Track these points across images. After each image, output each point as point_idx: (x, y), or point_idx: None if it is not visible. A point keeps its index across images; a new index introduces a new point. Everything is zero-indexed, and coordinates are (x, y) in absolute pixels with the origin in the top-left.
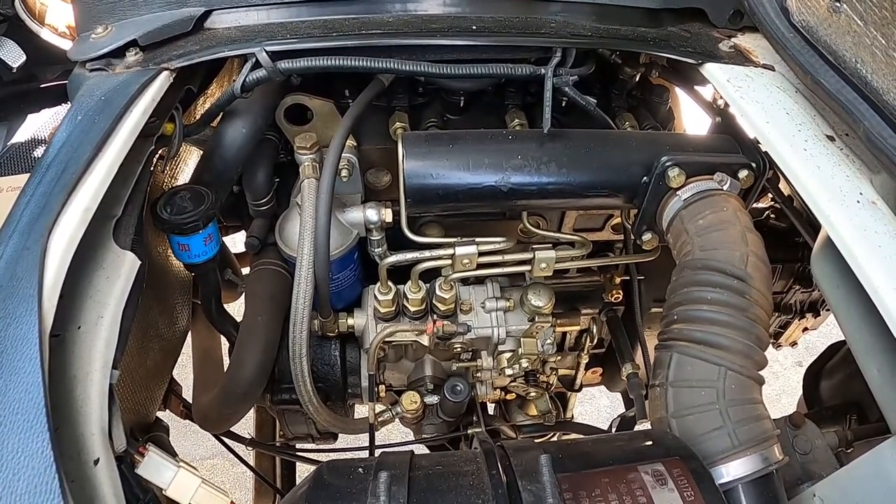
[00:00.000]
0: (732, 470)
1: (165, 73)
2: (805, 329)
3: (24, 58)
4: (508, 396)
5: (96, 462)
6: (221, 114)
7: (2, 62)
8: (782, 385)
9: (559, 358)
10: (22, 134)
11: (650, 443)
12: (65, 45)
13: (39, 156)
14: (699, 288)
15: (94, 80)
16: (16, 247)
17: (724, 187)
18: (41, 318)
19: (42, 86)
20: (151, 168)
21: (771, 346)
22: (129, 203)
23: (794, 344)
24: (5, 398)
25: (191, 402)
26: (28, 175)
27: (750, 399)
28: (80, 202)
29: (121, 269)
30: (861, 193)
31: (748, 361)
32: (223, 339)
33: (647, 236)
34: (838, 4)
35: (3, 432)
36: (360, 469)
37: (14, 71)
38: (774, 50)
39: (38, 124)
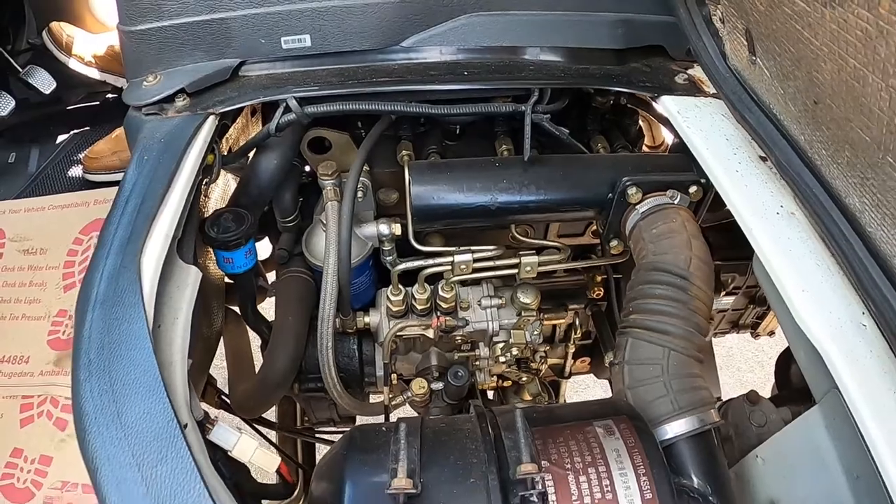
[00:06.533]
0: (675, 428)
1: (212, 116)
2: None
3: (54, 84)
4: (505, 384)
5: (184, 426)
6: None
7: (34, 88)
8: (767, 374)
9: (549, 348)
10: (53, 155)
11: (605, 407)
12: (91, 72)
13: (74, 175)
14: (650, 285)
15: (151, 123)
16: (114, 265)
17: (675, 201)
18: (146, 318)
19: (68, 108)
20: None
21: (750, 335)
22: (186, 224)
23: (771, 333)
24: (128, 375)
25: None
26: (64, 194)
27: (689, 374)
28: (161, 228)
29: (188, 280)
30: (782, 206)
31: (688, 343)
32: (251, 339)
33: (613, 243)
34: (754, 58)
35: (132, 399)
36: (383, 428)
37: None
38: (714, 87)
39: (69, 146)
